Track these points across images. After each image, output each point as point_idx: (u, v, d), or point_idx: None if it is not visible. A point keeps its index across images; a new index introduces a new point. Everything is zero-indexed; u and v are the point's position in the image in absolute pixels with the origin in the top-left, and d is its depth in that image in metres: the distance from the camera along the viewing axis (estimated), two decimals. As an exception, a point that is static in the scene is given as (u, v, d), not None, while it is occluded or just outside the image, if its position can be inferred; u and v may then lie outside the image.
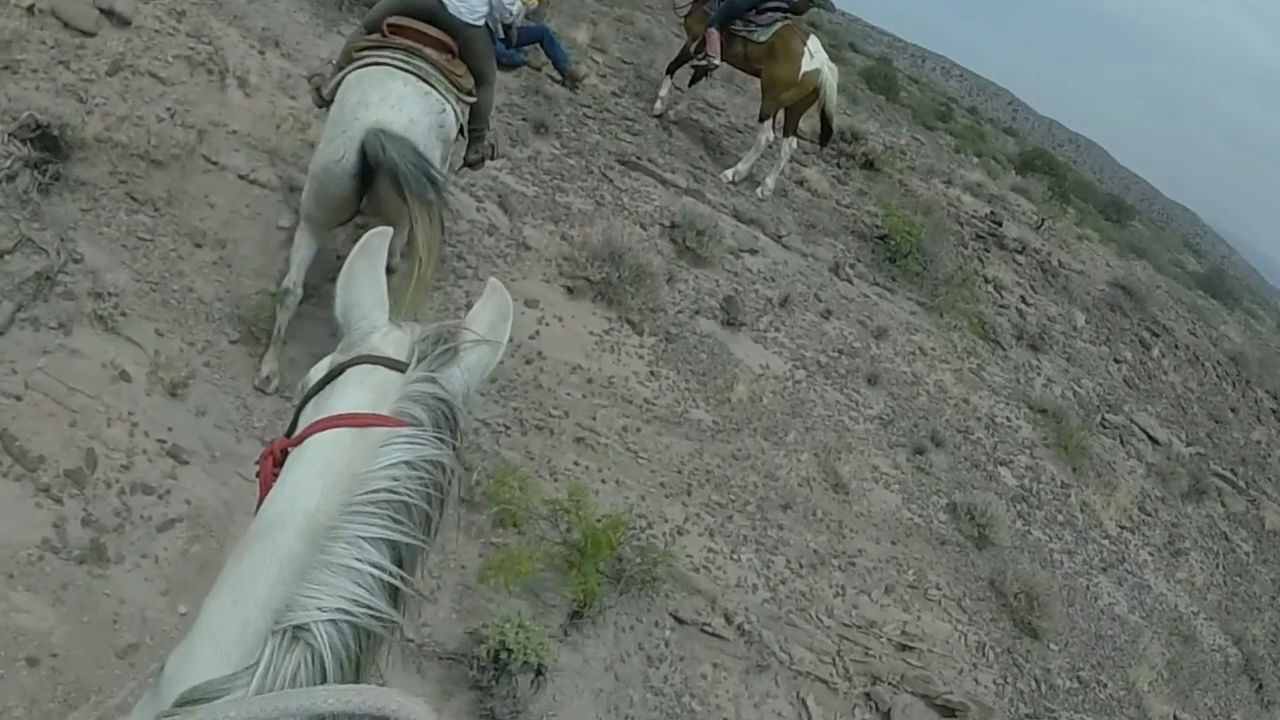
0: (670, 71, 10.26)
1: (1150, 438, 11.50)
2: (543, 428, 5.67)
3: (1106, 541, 9.25)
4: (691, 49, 10.05)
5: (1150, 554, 9.74)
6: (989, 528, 7.74)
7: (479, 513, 5.09)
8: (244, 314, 5.27)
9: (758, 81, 10.08)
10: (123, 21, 6.27)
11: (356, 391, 1.39)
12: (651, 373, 6.61)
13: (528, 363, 5.99)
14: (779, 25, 9.65)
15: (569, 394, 6.03)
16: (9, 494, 4.22)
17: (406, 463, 1.25)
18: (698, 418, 6.59)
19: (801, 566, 6.36)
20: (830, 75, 9.66)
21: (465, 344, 1.50)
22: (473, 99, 5.15)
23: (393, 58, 4.73)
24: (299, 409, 1.50)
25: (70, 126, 5.33)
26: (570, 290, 6.73)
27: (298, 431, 1.42)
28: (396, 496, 1.23)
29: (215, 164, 5.87)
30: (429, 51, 4.83)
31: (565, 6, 11.76)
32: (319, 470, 1.29)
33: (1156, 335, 13.69)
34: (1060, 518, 9.03)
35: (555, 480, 5.43)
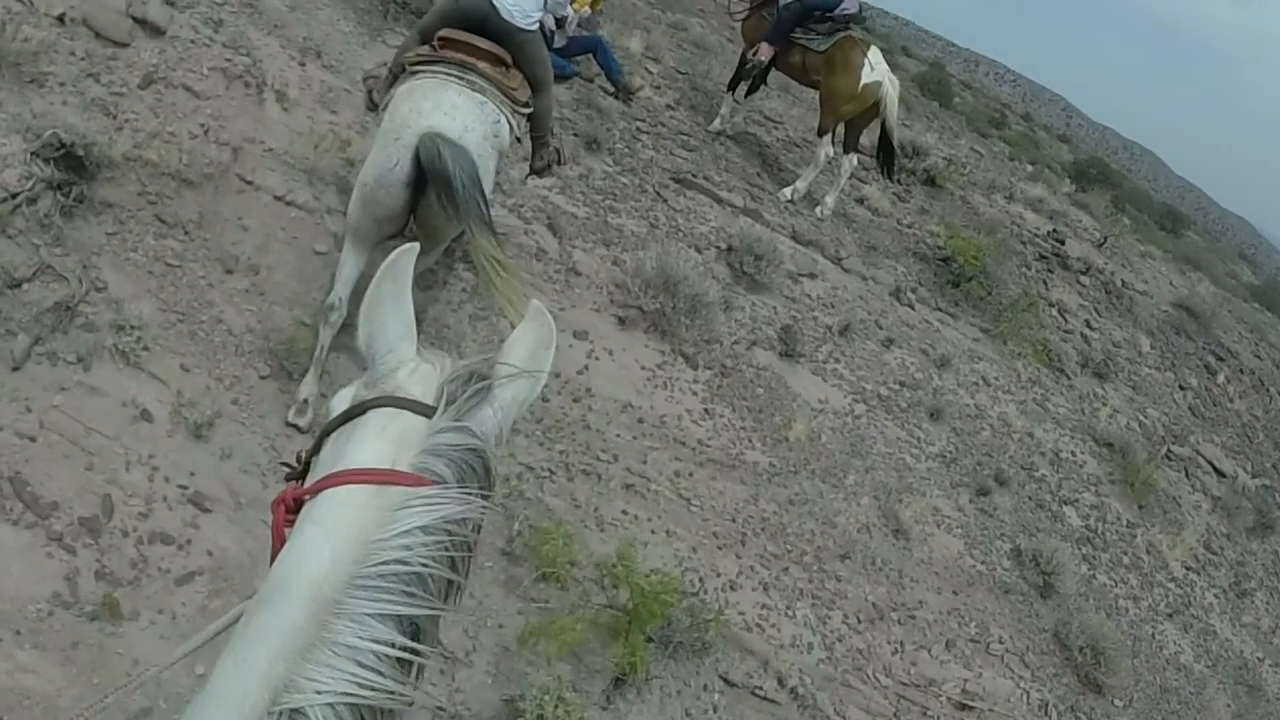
0: (731, 88, 9.85)
1: (1216, 470, 11.05)
2: (590, 473, 5.30)
3: (1172, 584, 8.81)
4: (749, 55, 9.68)
5: (1216, 596, 9.28)
6: (1054, 575, 7.34)
7: (519, 565, 4.75)
8: (275, 347, 4.95)
9: (816, 93, 9.68)
10: (156, 31, 5.98)
11: (376, 441, 1.26)
12: (706, 410, 6.23)
13: (575, 400, 5.62)
14: (839, 35, 9.24)
15: (618, 435, 5.66)
16: (19, 543, 3.96)
17: (422, 528, 1.16)
18: (753, 460, 6.20)
19: (859, 621, 5.98)
20: (891, 88, 9.24)
21: (501, 380, 1.36)
22: (529, 109, 5.02)
23: (445, 71, 4.62)
24: (319, 440, 1.38)
25: (96, 145, 5.04)
26: (622, 321, 6.36)
27: (314, 475, 1.32)
28: (408, 567, 1.15)
29: (250, 184, 5.56)
30: (482, 65, 4.70)
31: (617, 14, 11.36)
32: (328, 532, 1.18)
33: (1221, 360, 13.26)
34: (1126, 560, 8.59)
35: (602, 531, 5.07)
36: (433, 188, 4.31)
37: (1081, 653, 6.85)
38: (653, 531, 5.30)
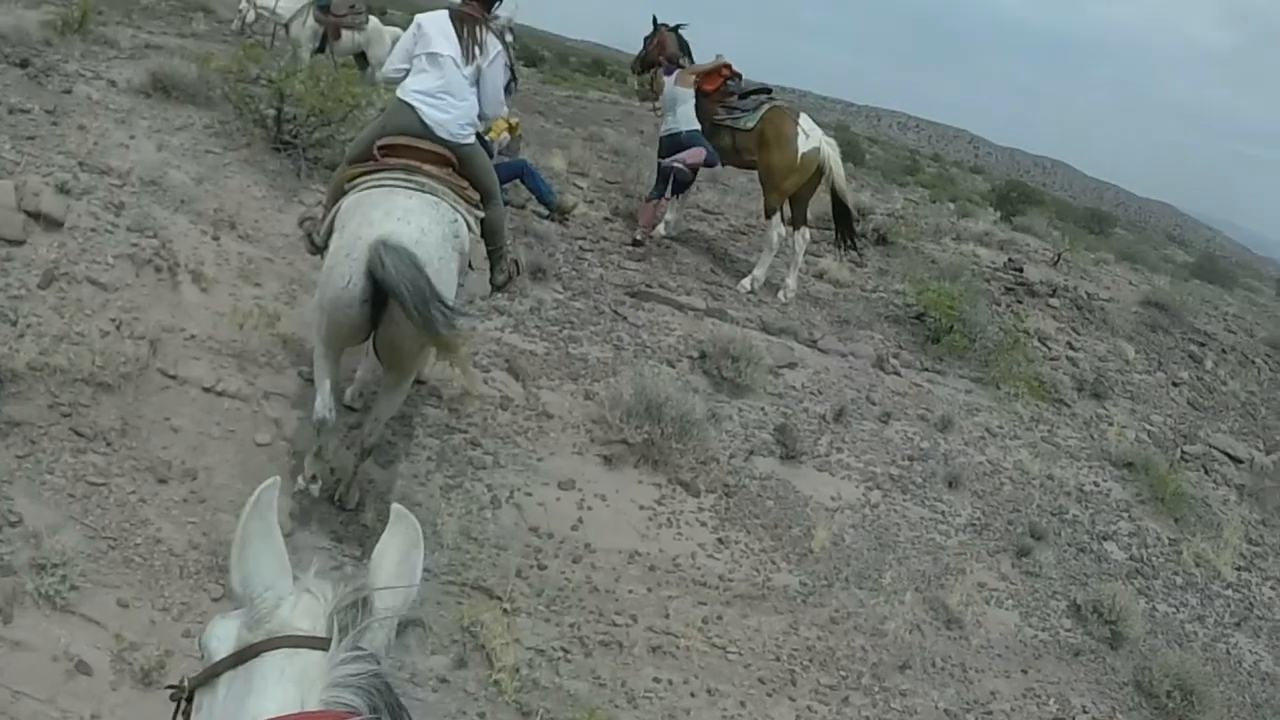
0: (666, 194, 9.36)
1: (1231, 457, 10.69)
2: (609, 642, 4.69)
3: (1230, 591, 8.36)
4: (637, 236, 9.21)
5: (1273, 589, 8.82)
6: (1119, 621, 6.83)
7: (552, 769, 4.08)
8: (225, 562, 4.28)
9: (745, 176, 9.26)
10: (53, 223, 5.57)
11: (279, 688, 1.23)
12: (719, 540, 5.67)
13: (575, 561, 5.04)
14: (765, 108, 8.92)
15: (631, 591, 5.06)
16: None
17: None
18: (783, 583, 5.62)
19: (936, 734, 5.36)
20: (832, 150, 8.91)
21: (380, 594, 1.35)
22: (481, 212, 4.79)
23: (391, 178, 4.34)
24: (200, 680, 1.34)
25: (-4, 357, 4.47)
26: (608, 459, 5.81)
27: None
28: None
29: (174, 378, 5.07)
30: (428, 167, 4.44)
31: (532, 137, 11.18)
32: None
33: (1203, 345, 13.12)
34: (1179, 580, 8.11)
35: (636, 708, 4.44)
36: (393, 301, 4.07)
37: (1169, 696, 6.36)
38: (692, 694, 4.68)
